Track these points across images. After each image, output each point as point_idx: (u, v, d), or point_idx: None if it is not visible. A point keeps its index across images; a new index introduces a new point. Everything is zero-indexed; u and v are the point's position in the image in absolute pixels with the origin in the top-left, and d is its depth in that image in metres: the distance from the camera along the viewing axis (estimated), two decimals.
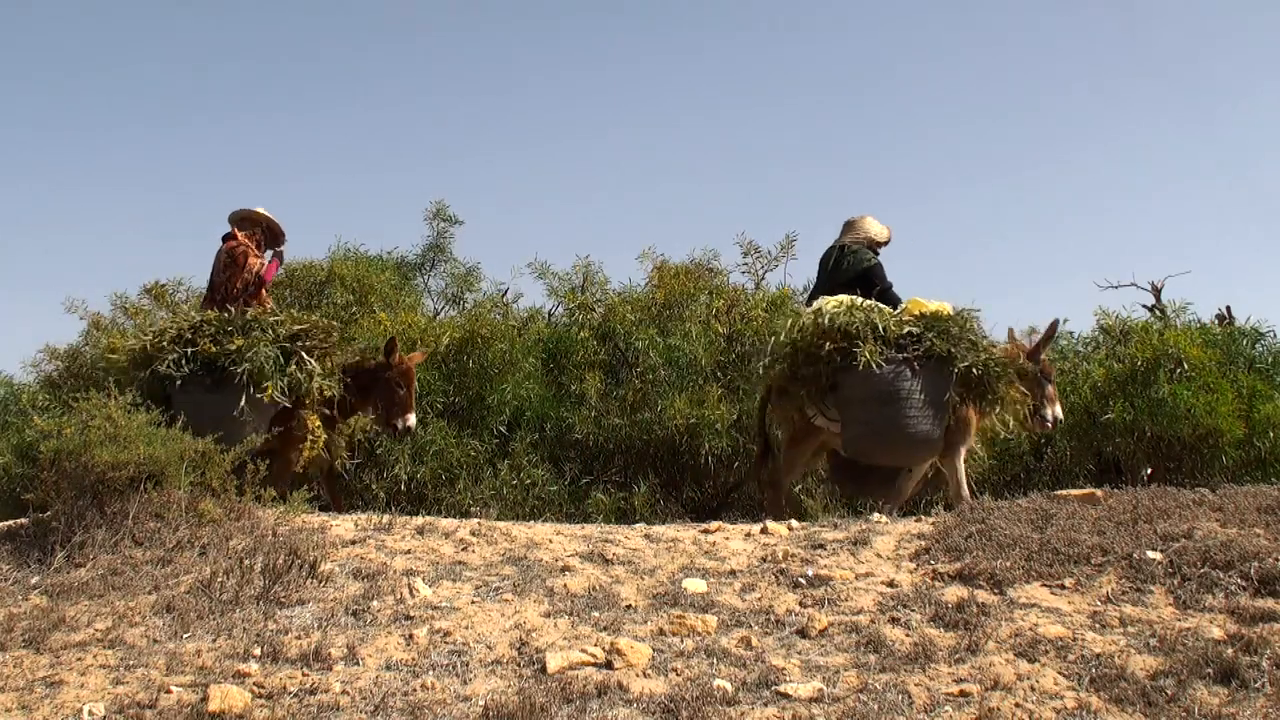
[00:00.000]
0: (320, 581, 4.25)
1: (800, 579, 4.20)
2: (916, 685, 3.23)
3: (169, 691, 3.27)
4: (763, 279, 9.81)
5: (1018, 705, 3.07)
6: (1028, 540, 4.32)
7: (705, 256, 9.71)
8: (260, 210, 6.76)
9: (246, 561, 4.36)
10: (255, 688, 3.30)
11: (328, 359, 6.25)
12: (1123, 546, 4.16)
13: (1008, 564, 4.12)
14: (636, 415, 8.21)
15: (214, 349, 5.94)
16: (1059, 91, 34.94)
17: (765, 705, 3.14)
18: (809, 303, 6.41)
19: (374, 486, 7.46)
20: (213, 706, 3.14)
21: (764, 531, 4.95)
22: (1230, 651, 3.27)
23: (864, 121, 36.63)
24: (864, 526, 4.91)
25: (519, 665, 3.48)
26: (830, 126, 37.00)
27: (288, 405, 6.05)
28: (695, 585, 4.16)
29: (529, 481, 7.73)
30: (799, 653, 3.53)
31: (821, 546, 4.59)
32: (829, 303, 6.11)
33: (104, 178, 34.50)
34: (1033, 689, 3.17)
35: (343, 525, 5.06)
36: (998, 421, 6.40)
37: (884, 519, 5.15)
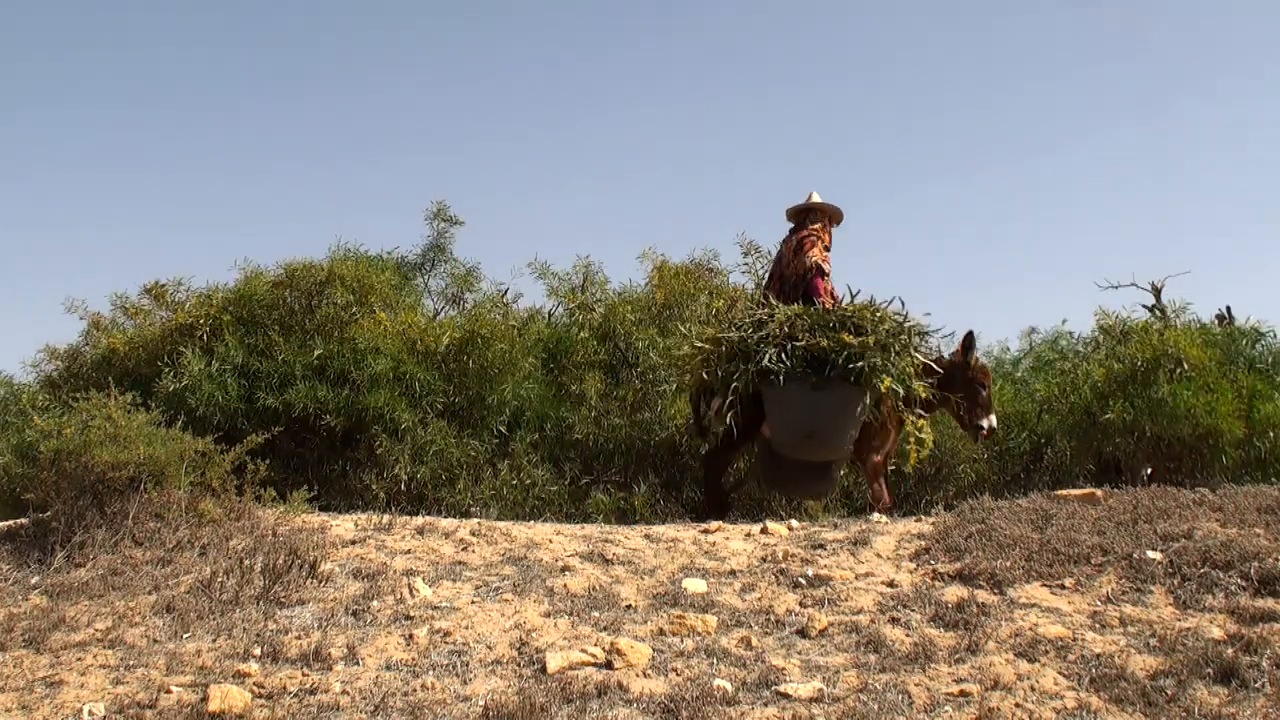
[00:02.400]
0: (320, 581, 4.25)
1: (800, 579, 4.20)
2: (916, 685, 3.23)
3: (169, 691, 3.28)
4: (763, 279, 9.79)
5: (1018, 705, 3.07)
6: (1028, 540, 4.32)
7: (705, 256, 9.69)
8: (817, 198, 6.53)
9: (246, 561, 4.36)
10: (255, 688, 3.30)
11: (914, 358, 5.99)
12: (1123, 546, 4.16)
13: (1008, 564, 4.12)
14: (636, 415, 8.21)
15: (825, 344, 5.70)
16: (1059, 88, 34.93)
17: (765, 705, 3.14)
18: None
19: (374, 486, 7.45)
20: (213, 706, 3.14)
21: (764, 531, 4.95)
22: (1230, 651, 3.27)
23: (864, 118, 36.62)
24: (864, 526, 4.92)
25: (519, 665, 3.48)
26: (830, 124, 36.99)
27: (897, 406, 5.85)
28: (695, 585, 4.16)
29: (529, 481, 7.72)
30: (799, 653, 3.54)
31: (821, 546, 4.59)
32: None
33: (104, 177, 34.51)
34: (1033, 689, 3.17)
35: (343, 525, 5.07)
36: None
37: (884, 519, 5.15)
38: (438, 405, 7.87)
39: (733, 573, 4.34)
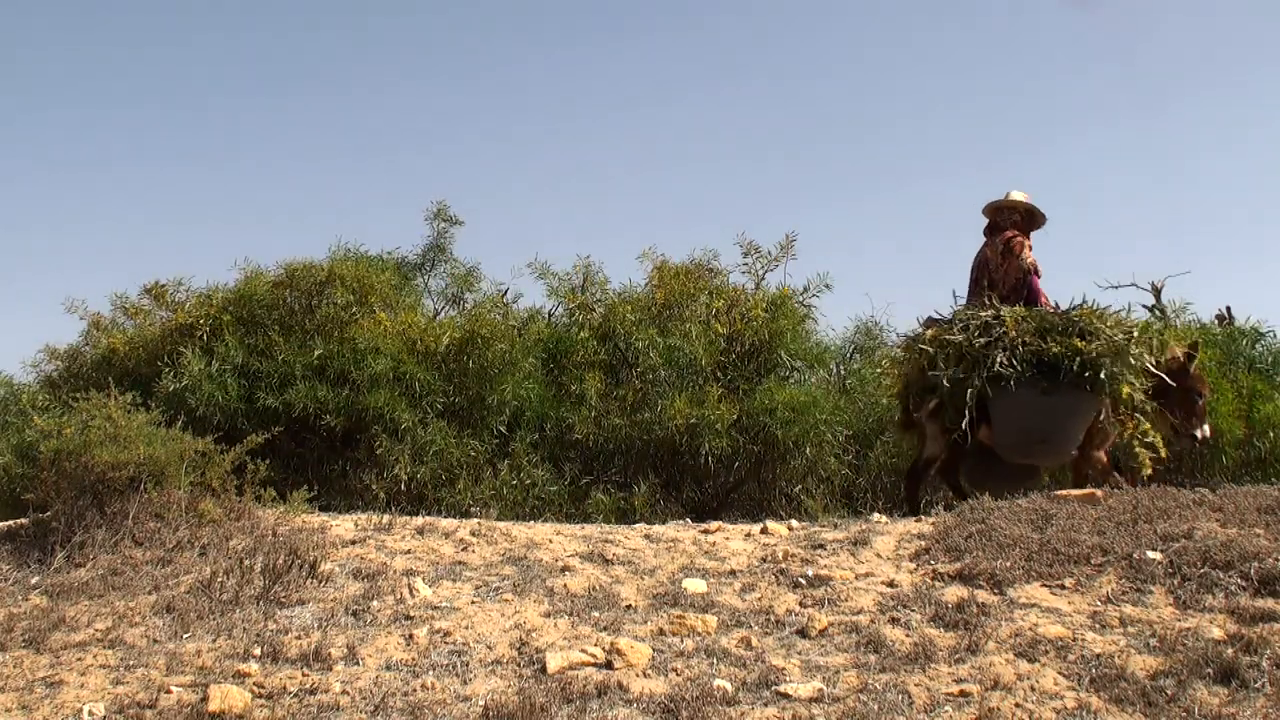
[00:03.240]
0: (320, 581, 4.26)
1: (800, 579, 4.20)
2: (916, 685, 3.23)
3: (169, 691, 3.28)
4: (763, 279, 9.79)
5: (1018, 705, 3.07)
6: (1028, 540, 4.32)
7: (705, 256, 9.68)
8: (1016, 195, 6.39)
9: (246, 561, 4.36)
10: (255, 688, 3.30)
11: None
12: (1123, 546, 4.16)
13: (1008, 564, 4.12)
14: (636, 415, 8.21)
15: (1056, 350, 5.61)
16: (1058, 87, 34.94)
17: (765, 705, 3.14)
18: None
19: (374, 486, 7.46)
20: (213, 706, 3.14)
21: (764, 531, 4.95)
22: (1230, 651, 3.27)
23: (863, 117, 36.60)
24: (864, 526, 4.92)
25: (519, 665, 3.48)
26: (830, 123, 36.99)
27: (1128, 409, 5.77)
28: (695, 585, 4.16)
29: (529, 481, 7.73)
30: (799, 653, 3.54)
31: (821, 546, 4.59)
32: None
33: (104, 177, 34.50)
34: (1033, 689, 3.17)
35: (343, 525, 5.07)
36: None
37: (884, 519, 5.15)
38: (438, 405, 7.88)
39: (733, 573, 4.34)
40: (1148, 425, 5.91)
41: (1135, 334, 5.82)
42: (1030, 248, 6.30)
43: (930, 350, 5.96)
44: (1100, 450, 5.97)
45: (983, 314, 5.91)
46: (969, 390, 5.71)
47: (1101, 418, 5.80)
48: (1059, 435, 5.70)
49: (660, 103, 34.62)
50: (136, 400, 5.24)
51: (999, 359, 5.63)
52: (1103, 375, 5.55)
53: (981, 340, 5.76)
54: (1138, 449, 5.87)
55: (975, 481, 6.25)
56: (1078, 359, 5.57)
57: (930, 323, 6.22)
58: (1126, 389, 5.64)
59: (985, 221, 6.47)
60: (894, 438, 7.40)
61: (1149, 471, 5.89)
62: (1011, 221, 6.32)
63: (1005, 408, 5.68)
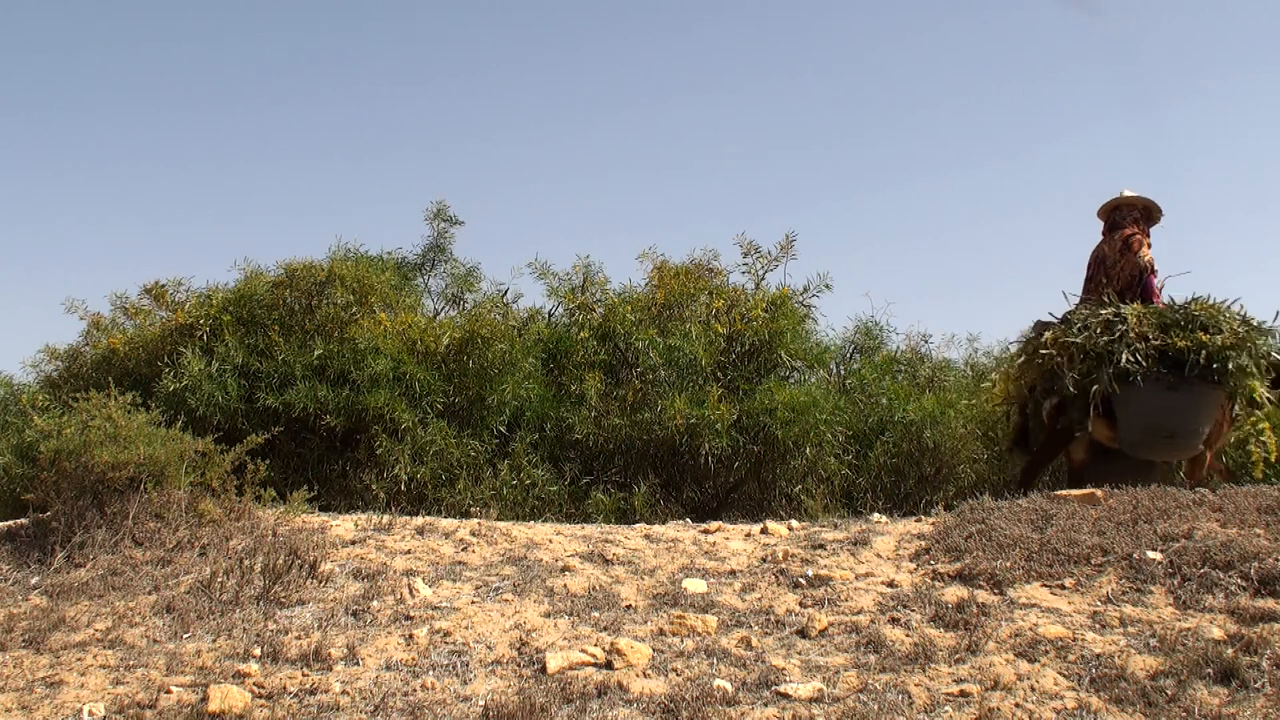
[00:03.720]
0: (320, 581, 4.26)
1: (800, 579, 4.20)
2: (916, 685, 3.23)
3: (169, 691, 3.28)
4: (763, 279, 9.80)
5: (1018, 705, 3.07)
6: (1028, 540, 4.32)
7: (705, 256, 9.70)
8: (1130, 193, 6.41)
9: (246, 561, 4.37)
10: (255, 688, 3.30)
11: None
12: (1123, 546, 4.16)
13: (1008, 564, 4.12)
14: (636, 415, 8.21)
15: (1181, 344, 5.59)
16: (1057, 86, 34.93)
17: (765, 705, 3.14)
18: None
19: (374, 486, 7.45)
20: (213, 706, 3.15)
21: (764, 532, 4.95)
22: (1230, 651, 3.27)
23: (861, 117, 36.58)
24: (864, 526, 4.92)
25: (519, 665, 3.48)
26: (830, 122, 36.97)
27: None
28: (695, 585, 4.16)
29: (529, 481, 7.72)
30: (799, 653, 3.54)
31: (821, 546, 4.60)
32: None
33: (104, 177, 34.48)
34: (1033, 689, 3.17)
35: (343, 525, 5.07)
36: None
37: (884, 519, 5.15)
38: (438, 405, 7.88)
39: (733, 573, 4.34)
40: (1266, 425, 5.91)
41: (1256, 326, 5.80)
42: (1150, 245, 6.29)
43: (1054, 353, 5.93)
44: (1212, 450, 5.95)
45: (1102, 312, 5.90)
46: (1095, 389, 5.68)
47: (1227, 411, 5.78)
48: (1186, 430, 5.69)
49: (660, 103, 34.58)
50: (136, 400, 5.24)
51: (1124, 356, 5.61)
52: (1231, 367, 5.51)
53: (1105, 339, 5.74)
54: (1252, 447, 5.87)
55: (1093, 480, 6.26)
56: (1203, 352, 5.54)
57: (1042, 326, 6.21)
58: (1254, 382, 5.63)
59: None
60: (1009, 451, 7.34)
61: (1259, 474, 5.90)
62: (1132, 219, 6.32)
63: (1131, 405, 5.66)
